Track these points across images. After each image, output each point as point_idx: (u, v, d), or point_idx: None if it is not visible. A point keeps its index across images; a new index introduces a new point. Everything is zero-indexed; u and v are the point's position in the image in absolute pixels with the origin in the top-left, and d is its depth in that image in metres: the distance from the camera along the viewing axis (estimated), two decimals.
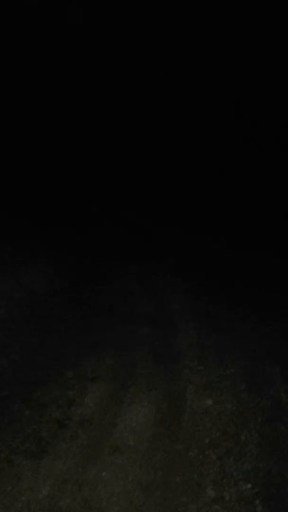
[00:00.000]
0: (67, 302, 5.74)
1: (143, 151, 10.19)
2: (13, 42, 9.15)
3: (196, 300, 6.23)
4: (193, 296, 6.35)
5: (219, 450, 3.62)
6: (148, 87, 10.14)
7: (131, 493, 3.20)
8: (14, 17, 9.09)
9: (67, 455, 3.47)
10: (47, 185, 8.70)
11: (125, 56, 9.92)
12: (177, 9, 9.55)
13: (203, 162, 9.95)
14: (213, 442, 3.70)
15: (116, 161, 9.99)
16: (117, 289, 6.37)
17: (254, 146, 9.75)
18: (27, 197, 8.06)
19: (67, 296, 5.88)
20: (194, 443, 3.68)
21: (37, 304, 5.45)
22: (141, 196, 9.53)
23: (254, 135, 9.76)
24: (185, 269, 7.19)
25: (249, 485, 3.33)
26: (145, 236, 8.38)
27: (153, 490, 3.24)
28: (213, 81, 9.99)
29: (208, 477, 3.39)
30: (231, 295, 6.44)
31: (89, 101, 10.14)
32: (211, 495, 3.25)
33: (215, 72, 9.91)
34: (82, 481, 3.26)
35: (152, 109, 10.15)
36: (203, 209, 9.30)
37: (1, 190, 7.91)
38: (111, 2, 9.63)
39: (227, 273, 7.12)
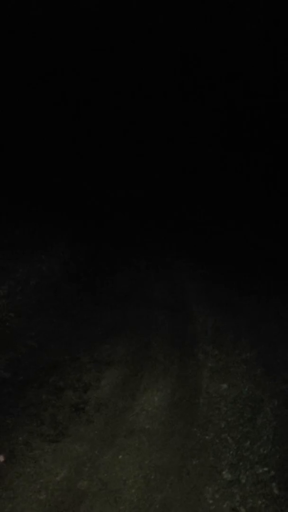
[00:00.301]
0: (82, 288, 5.75)
1: (158, 145, 10.15)
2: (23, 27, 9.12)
3: (211, 286, 6.21)
4: (208, 282, 6.33)
5: (235, 434, 3.62)
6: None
7: (147, 475, 3.22)
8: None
9: (83, 438, 3.50)
10: (65, 174, 8.70)
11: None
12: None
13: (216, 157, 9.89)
14: (229, 425, 3.70)
15: (132, 152, 9.94)
16: (132, 276, 6.37)
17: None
18: (45, 185, 8.07)
19: (82, 283, 5.89)
20: (210, 426, 3.69)
21: (52, 290, 5.46)
22: (155, 187, 9.49)
23: None
24: (200, 256, 7.16)
25: (266, 468, 3.34)
26: (160, 224, 8.35)
27: (169, 473, 3.26)
28: None
29: (224, 460, 3.39)
30: (246, 281, 6.41)
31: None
32: (227, 478, 3.26)
33: None
34: (99, 464, 3.29)
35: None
36: (220, 197, 9.24)
37: (18, 178, 7.94)
38: None
39: (241, 260, 7.08)
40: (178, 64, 10.18)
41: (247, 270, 6.79)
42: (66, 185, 8.43)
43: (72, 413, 3.73)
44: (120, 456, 3.36)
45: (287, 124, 9.56)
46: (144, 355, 4.54)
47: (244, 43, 9.76)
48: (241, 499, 3.12)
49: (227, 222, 8.39)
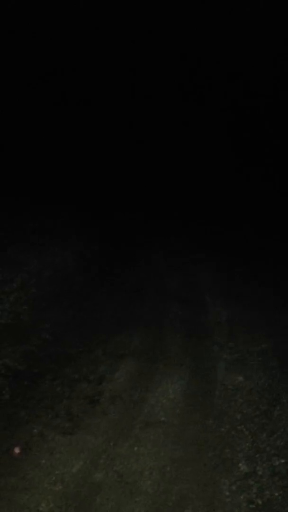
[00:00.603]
0: (96, 280, 5.75)
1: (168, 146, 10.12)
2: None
3: (224, 278, 6.17)
4: (222, 274, 6.29)
5: (251, 426, 3.59)
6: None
7: (163, 467, 3.20)
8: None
9: (98, 430, 3.49)
10: (75, 167, 8.69)
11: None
12: None
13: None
14: (245, 417, 3.66)
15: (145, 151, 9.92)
16: (145, 268, 6.34)
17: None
18: (56, 179, 8.08)
19: (96, 275, 5.88)
20: (226, 418, 3.66)
21: (66, 283, 5.47)
22: (167, 182, 9.45)
23: None
24: (213, 249, 7.11)
25: (283, 460, 3.30)
26: (171, 217, 8.31)
27: (185, 465, 3.24)
28: None
29: (240, 453, 3.36)
30: (260, 273, 6.35)
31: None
32: (243, 470, 3.23)
33: None
34: (115, 456, 3.27)
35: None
36: (231, 191, 9.19)
37: (29, 173, 7.96)
38: None
39: (255, 254, 7.01)
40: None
41: (261, 261, 6.72)
42: (76, 179, 8.42)
43: (86, 405, 3.73)
44: (136, 448, 3.35)
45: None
46: (158, 347, 4.52)
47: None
48: (258, 491, 3.08)
49: (239, 215, 8.32)
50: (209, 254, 6.88)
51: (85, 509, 2.87)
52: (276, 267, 6.50)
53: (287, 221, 7.90)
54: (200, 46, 9.86)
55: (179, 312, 5.23)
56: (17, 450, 3.27)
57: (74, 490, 2.99)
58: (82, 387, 3.90)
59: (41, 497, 2.93)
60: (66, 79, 9.67)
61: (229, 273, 6.35)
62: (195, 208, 8.62)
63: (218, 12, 9.68)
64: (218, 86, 10.02)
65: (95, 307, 5.13)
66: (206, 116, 9.99)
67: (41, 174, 8.10)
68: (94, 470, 3.15)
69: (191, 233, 7.75)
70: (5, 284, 5.06)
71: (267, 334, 4.79)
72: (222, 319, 5.11)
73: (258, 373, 4.19)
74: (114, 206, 8.25)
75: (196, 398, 3.86)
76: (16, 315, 4.67)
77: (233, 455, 3.34)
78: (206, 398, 3.87)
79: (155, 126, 10.05)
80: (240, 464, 3.27)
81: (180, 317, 5.13)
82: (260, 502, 3.02)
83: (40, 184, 7.85)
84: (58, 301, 5.07)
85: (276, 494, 3.07)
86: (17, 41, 9.17)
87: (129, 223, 7.78)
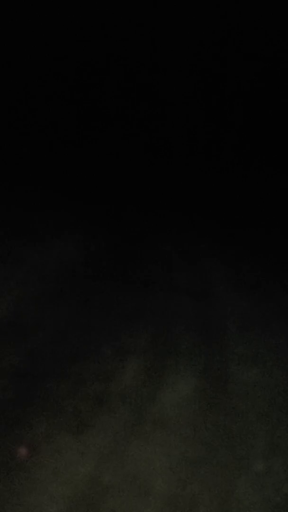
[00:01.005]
0: (102, 275, 5.62)
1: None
2: None
3: (236, 273, 6.02)
4: (233, 268, 6.14)
5: (266, 422, 3.47)
6: None
7: (175, 468, 3.10)
8: None
9: (107, 430, 3.38)
10: (80, 159, 8.60)
11: None
12: None
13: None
14: (260, 414, 3.55)
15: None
16: (154, 263, 6.21)
17: None
18: (59, 171, 7.98)
19: (102, 270, 5.76)
20: (239, 415, 3.54)
21: (71, 279, 5.35)
22: (175, 175, 9.35)
23: None
24: (224, 243, 6.98)
25: None
26: (180, 212, 8.20)
27: (198, 464, 3.13)
28: None
29: (256, 450, 3.25)
30: (273, 267, 6.20)
31: None
32: (259, 468, 3.12)
33: None
34: (124, 456, 3.17)
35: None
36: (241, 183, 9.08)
37: (32, 164, 7.87)
38: None
39: (267, 247, 6.87)
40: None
41: (273, 255, 6.58)
42: (81, 171, 8.32)
43: (94, 404, 3.62)
44: (146, 448, 3.25)
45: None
46: (168, 343, 4.40)
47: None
48: (275, 489, 2.98)
49: (247, 209, 8.19)
50: (220, 248, 6.75)
51: (95, 511, 2.78)
52: None
53: None
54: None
55: (189, 306, 5.10)
56: (23, 451, 3.19)
57: (83, 491, 2.90)
58: (89, 385, 3.79)
59: (49, 499, 2.85)
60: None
61: (241, 267, 6.21)
62: (203, 202, 8.50)
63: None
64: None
65: (101, 303, 5.01)
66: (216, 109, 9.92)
67: (45, 166, 8.00)
68: (103, 470, 3.06)
69: (199, 227, 7.62)
70: (7, 280, 4.98)
71: (282, 328, 4.66)
72: (235, 313, 4.98)
73: (272, 368, 4.07)
74: (121, 200, 8.13)
75: (208, 395, 3.74)
76: (19, 312, 4.58)
77: (248, 453, 3.23)
78: (219, 395, 3.75)
79: (163, 120, 10.00)
80: (255, 462, 3.17)
81: (190, 311, 5.00)
82: (278, 499, 2.92)
83: (43, 176, 7.75)
84: (63, 297, 4.96)
85: None
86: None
87: (136, 217, 7.65)
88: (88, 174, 8.33)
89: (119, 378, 3.92)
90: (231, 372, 4.02)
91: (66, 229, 6.31)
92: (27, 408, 3.50)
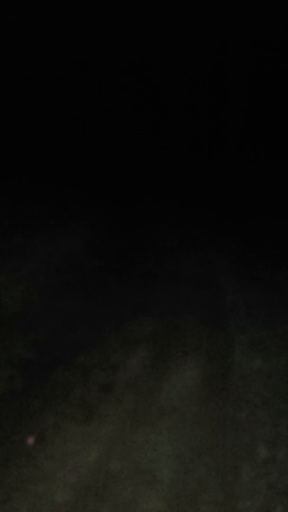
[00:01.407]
0: (107, 267, 5.65)
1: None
2: None
3: (242, 261, 6.04)
4: (237, 258, 6.16)
5: (270, 411, 3.49)
6: None
7: (181, 455, 3.12)
8: None
9: (113, 419, 3.41)
10: (86, 155, 8.59)
11: None
12: None
13: None
14: (264, 402, 3.57)
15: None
16: (158, 254, 6.23)
17: None
18: (64, 164, 7.98)
19: (107, 261, 5.79)
20: (244, 404, 3.56)
21: (76, 270, 5.39)
22: (180, 167, 9.32)
23: None
24: (227, 233, 6.99)
25: None
26: (184, 204, 8.19)
27: (203, 452, 3.15)
28: None
29: (260, 438, 3.27)
30: (275, 257, 6.21)
31: None
32: (263, 456, 3.14)
33: None
34: (131, 444, 3.20)
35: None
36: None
37: (37, 157, 7.88)
38: None
39: (269, 238, 6.87)
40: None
41: (275, 245, 6.58)
42: (84, 165, 8.32)
43: (101, 393, 3.65)
44: (152, 436, 3.27)
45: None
46: (173, 333, 4.43)
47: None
48: (279, 476, 2.99)
49: (251, 200, 8.17)
50: (223, 239, 6.77)
51: (102, 499, 2.80)
52: None
53: None
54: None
55: (194, 296, 5.12)
56: (31, 441, 3.22)
57: (90, 479, 2.93)
58: (95, 375, 3.83)
59: (57, 487, 2.87)
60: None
61: (244, 257, 6.22)
62: (207, 193, 8.50)
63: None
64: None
65: (107, 294, 5.05)
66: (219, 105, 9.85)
67: (48, 159, 8.01)
68: (110, 459, 3.09)
69: (203, 218, 7.64)
70: (14, 272, 5.00)
71: (286, 317, 4.67)
72: (239, 302, 4.99)
73: (277, 356, 4.09)
74: (124, 192, 8.16)
75: (213, 384, 3.77)
76: (26, 304, 4.61)
77: (253, 440, 3.25)
78: (224, 384, 3.77)
79: (165, 114, 9.94)
80: (260, 450, 3.19)
81: (195, 301, 5.03)
82: (281, 486, 2.93)
83: (47, 169, 7.76)
84: (68, 289, 4.99)
85: None
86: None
87: (140, 209, 7.68)
88: (92, 167, 8.33)
89: (124, 367, 3.95)
90: (236, 361, 4.04)
91: (70, 222, 6.30)
92: (35, 398, 3.54)
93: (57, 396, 3.58)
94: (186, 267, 5.84)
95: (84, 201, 7.17)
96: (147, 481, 2.93)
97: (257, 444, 3.22)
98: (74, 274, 5.29)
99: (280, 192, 8.21)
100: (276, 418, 3.42)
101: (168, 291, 5.18)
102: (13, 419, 3.35)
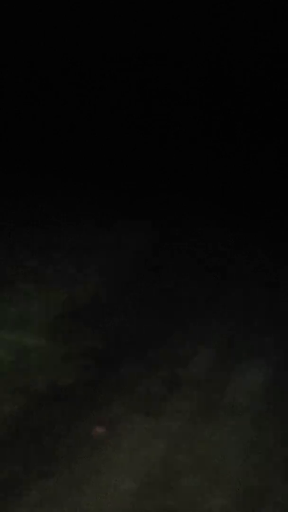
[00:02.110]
0: (172, 262, 5.59)
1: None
2: None
3: None
4: None
5: None
6: None
7: (246, 456, 3.12)
8: None
9: (180, 414, 3.45)
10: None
11: None
12: None
13: None
14: None
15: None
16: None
17: None
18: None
19: (170, 256, 5.72)
20: None
21: (141, 265, 5.43)
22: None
23: None
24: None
25: None
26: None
27: (270, 453, 3.13)
28: None
29: None
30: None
31: None
32: None
33: None
34: (196, 440, 3.23)
35: None
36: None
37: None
38: None
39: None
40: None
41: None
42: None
43: (167, 388, 3.70)
44: (218, 433, 3.28)
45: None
46: (240, 331, 4.39)
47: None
48: None
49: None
50: None
51: (168, 490, 2.85)
52: None
53: None
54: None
55: (263, 295, 5.02)
56: (101, 430, 3.31)
57: (157, 471, 2.99)
58: (163, 370, 3.88)
59: (125, 477, 2.95)
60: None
61: None
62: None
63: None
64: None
65: (173, 290, 5.05)
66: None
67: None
68: (176, 453, 3.13)
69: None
70: (85, 268, 5.16)
71: None
72: None
73: None
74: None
75: (283, 387, 3.73)
76: (96, 298, 4.75)
77: None
78: None
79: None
80: None
81: (264, 300, 4.93)
82: None
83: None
84: (136, 284, 5.05)
85: None
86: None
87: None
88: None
89: (191, 364, 3.97)
90: None
91: (135, 218, 6.22)
92: (104, 390, 3.64)
93: (125, 389, 3.66)
94: (259, 267, 5.64)
95: (146, 204, 6.98)
96: (213, 478, 2.95)
97: None
98: (140, 270, 5.31)
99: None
100: None
101: (236, 289, 5.12)
102: (81, 411, 3.44)
